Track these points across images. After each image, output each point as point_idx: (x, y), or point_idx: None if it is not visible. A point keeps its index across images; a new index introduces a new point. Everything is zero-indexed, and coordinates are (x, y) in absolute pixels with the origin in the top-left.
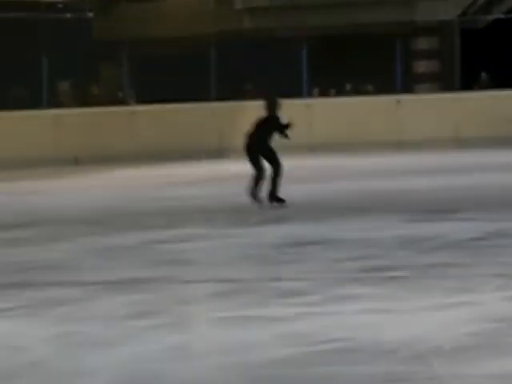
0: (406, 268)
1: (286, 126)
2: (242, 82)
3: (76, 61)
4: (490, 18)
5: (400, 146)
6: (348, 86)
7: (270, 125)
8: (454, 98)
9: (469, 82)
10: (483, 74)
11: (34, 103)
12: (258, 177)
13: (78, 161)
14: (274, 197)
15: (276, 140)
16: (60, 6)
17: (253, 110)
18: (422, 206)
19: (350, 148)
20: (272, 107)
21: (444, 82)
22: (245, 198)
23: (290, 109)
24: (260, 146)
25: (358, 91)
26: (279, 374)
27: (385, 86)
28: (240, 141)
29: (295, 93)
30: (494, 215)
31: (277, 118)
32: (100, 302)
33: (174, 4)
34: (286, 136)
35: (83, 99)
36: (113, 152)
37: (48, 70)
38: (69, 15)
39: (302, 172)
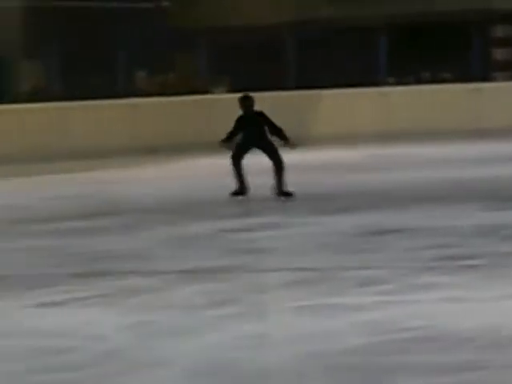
0: (483, 256)
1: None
2: (320, 71)
3: (153, 49)
4: None
5: (478, 134)
6: (425, 74)
7: (265, 119)
8: None
9: None
10: None
11: (110, 92)
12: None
13: (155, 150)
14: (281, 192)
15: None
16: None
17: (330, 99)
18: (501, 194)
19: (427, 136)
20: (252, 104)
21: None
22: (321, 187)
23: (367, 97)
24: (259, 140)
25: (435, 79)
26: (356, 362)
27: (462, 74)
28: (318, 129)
29: (372, 81)
30: None
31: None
32: (177, 291)
33: None
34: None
35: (160, 88)
36: (189, 141)
37: (125, 59)
38: (145, 4)
39: (378, 160)
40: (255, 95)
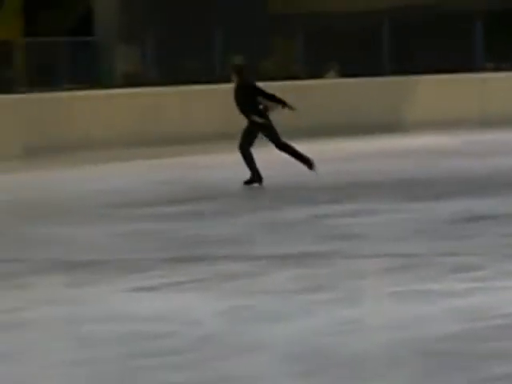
0: None
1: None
2: (417, 57)
3: (250, 34)
4: None
5: None
6: None
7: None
8: None
9: None
10: None
11: (206, 77)
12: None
13: None
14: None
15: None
16: None
17: (427, 85)
18: None
19: None
20: (246, 72)
21: None
22: (416, 173)
23: (464, 83)
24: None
25: None
26: (450, 348)
27: None
28: (415, 115)
29: (470, 67)
30: None
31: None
32: (271, 277)
33: None
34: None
35: (256, 73)
36: (286, 126)
37: (222, 44)
38: None
39: (475, 146)
40: (353, 81)
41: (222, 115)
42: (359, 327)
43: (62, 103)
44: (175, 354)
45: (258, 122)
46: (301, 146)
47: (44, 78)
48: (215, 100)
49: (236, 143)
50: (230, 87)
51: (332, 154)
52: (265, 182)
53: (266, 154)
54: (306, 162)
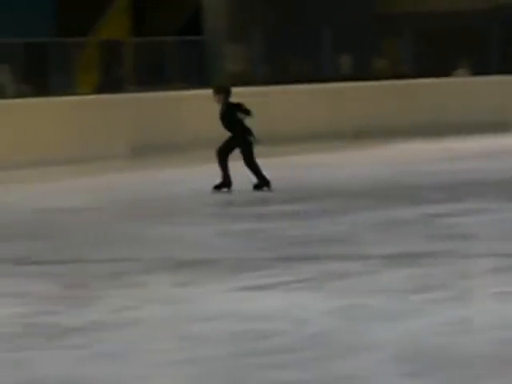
0: None
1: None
2: None
3: (358, 33)
4: None
5: None
6: None
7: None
8: None
9: None
10: None
11: (314, 76)
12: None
13: (358, 135)
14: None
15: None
16: None
17: None
18: None
19: None
20: (228, 94)
21: None
22: None
23: None
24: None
25: None
26: None
27: None
28: None
29: None
30: None
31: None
32: (381, 276)
33: None
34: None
35: (365, 73)
36: (392, 126)
37: (329, 43)
38: None
39: None
40: (453, 80)
41: (327, 114)
42: (470, 327)
43: (171, 103)
44: (286, 352)
45: (246, 139)
46: (412, 145)
47: (153, 77)
48: (321, 99)
49: (340, 143)
50: (337, 87)
51: (441, 153)
52: (376, 181)
53: (372, 154)
54: (266, 183)
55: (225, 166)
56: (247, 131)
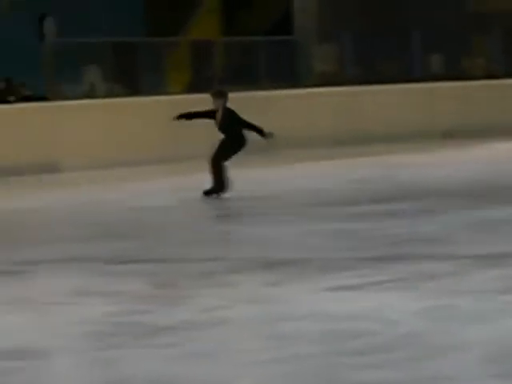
0: None
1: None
2: None
3: (448, 32)
4: None
5: None
6: None
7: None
8: None
9: None
10: None
11: (403, 77)
12: None
13: (449, 134)
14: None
15: None
16: None
17: None
18: None
19: None
20: (227, 99)
21: None
22: None
23: None
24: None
25: None
26: None
27: None
28: None
29: None
30: None
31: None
32: (472, 276)
33: None
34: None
35: (456, 72)
36: (486, 125)
37: (419, 43)
38: None
39: None
40: None
41: (416, 115)
42: None
43: (261, 102)
44: (377, 352)
45: (241, 143)
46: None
47: (242, 76)
48: (411, 100)
49: (430, 143)
50: (426, 87)
51: None
52: (470, 180)
53: (466, 153)
54: (220, 189)
55: (219, 172)
56: (256, 129)
